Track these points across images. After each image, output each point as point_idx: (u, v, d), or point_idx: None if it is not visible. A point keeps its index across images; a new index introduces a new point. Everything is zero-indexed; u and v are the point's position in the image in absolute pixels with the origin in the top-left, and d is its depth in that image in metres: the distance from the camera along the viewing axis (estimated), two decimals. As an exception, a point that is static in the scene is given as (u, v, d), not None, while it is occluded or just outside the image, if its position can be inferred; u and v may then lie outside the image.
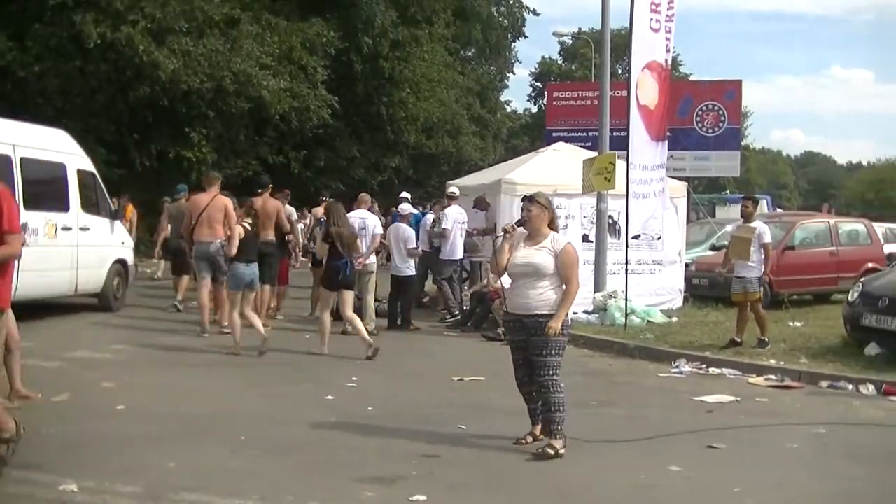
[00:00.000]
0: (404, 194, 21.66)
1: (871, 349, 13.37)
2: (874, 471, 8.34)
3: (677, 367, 13.49)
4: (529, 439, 8.64)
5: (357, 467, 7.75)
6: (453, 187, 19.51)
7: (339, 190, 33.25)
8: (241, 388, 11.12)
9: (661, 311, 17.78)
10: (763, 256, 14.46)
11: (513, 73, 65.48)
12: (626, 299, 16.64)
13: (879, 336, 13.44)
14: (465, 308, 17.87)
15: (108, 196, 18.15)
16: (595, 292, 17.12)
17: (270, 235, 16.16)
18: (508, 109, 68.31)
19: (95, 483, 6.96)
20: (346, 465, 7.81)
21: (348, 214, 16.55)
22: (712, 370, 13.30)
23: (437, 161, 46.18)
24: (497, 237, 8.81)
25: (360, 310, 15.99)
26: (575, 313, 14.13)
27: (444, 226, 17.91)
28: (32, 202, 14.91)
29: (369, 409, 10.14)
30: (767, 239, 14.64)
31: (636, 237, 17.62)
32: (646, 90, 16.98)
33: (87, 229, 16.79)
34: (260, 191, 16.50)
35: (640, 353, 14.54)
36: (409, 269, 16.98)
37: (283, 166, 34.00)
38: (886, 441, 9.57)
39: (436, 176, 45.92)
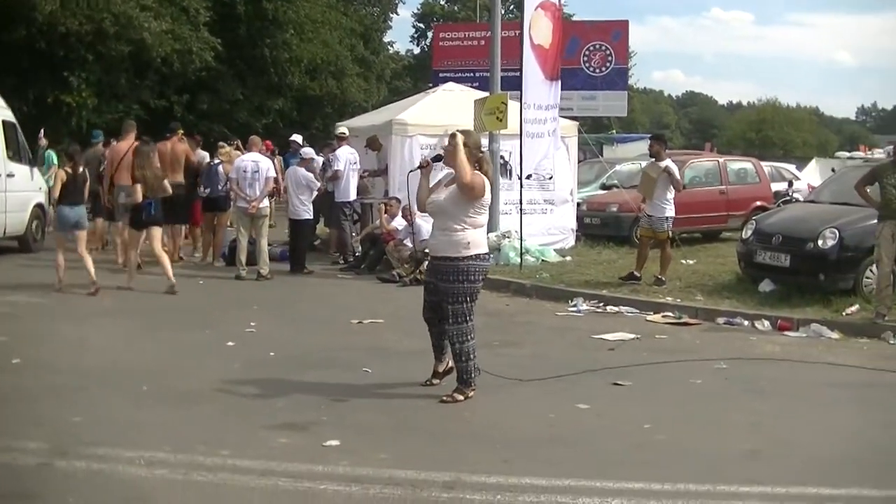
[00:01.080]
0: (296, 137, 21.34)
1: (765, 286, 13.64)
2: (778, 403, 8.52)
3: (574, 305, 13.59)
4: (436, 381, 8.61)
5: (267, 414, 7.64)
6: (343, 128, 19.32)
7: (223, 134, 32.54)
8: (138, 337, 10.91)
9: (554, 250, 17.87)
10: (672, 195, 14.65)
11: (396, 13, 64.87)
12: (521, 239, 16.66)
13: (773, 273, 13.71)
14: (357, 252, 17.69)
15: (27, 145, 19.17)
16: (489, 233, 17.06)
17: (179, 178, 17.06)
18: (392, 51, 67.65)
19: (0, 441, 6.74)
20: (256, 413, 7.71)
21: (241, 157, 16.48)
22: (610, 308, 13.41)
23: (322, 103, 45.46)
24: (413, 170, 8.69)
25: (253, 254, 15.81)
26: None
27: (335, 167, 17.67)
28: None
29: (271, 354, 10.04)
30: (677, 177, 14.78)
31: (528, 177, 17.56)
32: (539, 29, 16.98)
33: (13, 176, 17.82)
34: (168, 135, 17.61)
35: (537, 292, 14.61)
36: (307, 212, 16.73)
37: (165, 110, 33.11)
38: (786, 375, 9.76)
39: (320, 118, 45.26)
